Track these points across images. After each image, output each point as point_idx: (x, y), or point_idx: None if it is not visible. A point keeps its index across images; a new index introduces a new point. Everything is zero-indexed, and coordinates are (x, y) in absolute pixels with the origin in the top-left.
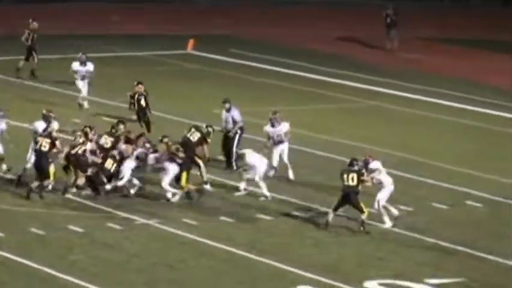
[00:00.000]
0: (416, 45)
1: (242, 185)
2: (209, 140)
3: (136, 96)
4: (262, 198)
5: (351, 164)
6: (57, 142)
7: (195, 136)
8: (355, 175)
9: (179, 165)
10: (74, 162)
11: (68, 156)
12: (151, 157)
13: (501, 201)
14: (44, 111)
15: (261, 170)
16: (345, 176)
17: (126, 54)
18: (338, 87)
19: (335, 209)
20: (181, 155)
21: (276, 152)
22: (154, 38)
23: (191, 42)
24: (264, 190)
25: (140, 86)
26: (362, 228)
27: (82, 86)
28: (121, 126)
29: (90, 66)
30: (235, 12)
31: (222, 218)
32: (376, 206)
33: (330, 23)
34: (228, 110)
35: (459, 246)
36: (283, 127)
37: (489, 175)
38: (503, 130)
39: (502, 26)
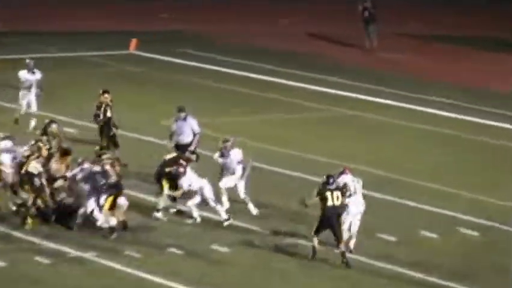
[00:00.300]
0: (398, 44)
1: (195, 213)
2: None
3: (103, 106)
4: (226, 224)
5: (327, 182)
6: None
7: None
8: (339, 194)
9: (114, 186)
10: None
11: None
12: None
13: (498, 228)
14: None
15: (206, 191)
16: (328, 195)
17: (58, 55)
18: (306, 93)
19: (317, 232)
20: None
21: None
22: (90, 37)
23: (134, 41)
24: (222, 214)
25: (106, 95)
26: (342, 261)
27: (27, 98)
28: (53, 126)
29: (38, 75)
30: (184, 6)
31: (170, 250)
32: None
33: (298, 18)
34: (185, 119)
35: (451, 282)
36: (235, 156)
37: (483, 196)
38: (494, 142)
39: (498, 22)
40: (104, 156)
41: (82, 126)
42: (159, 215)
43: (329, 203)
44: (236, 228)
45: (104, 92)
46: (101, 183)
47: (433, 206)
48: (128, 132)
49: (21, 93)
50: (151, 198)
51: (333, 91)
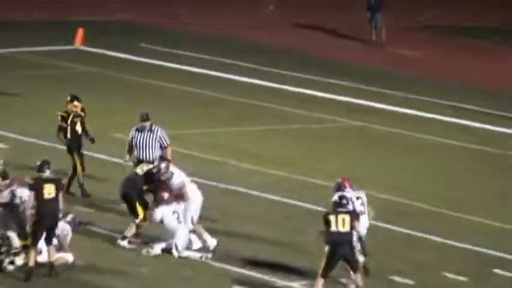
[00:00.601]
0: (411, 37)
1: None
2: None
3: (71, 118)
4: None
5: (339, 204)
6: None
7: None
8: (347, 217)
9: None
10: None
11: None
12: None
13: None
14: None
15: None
16: (331, 218)
17: None
18: (299, 99)
19: (324, 275)
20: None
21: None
22: (27, 28)
23: (80, 33)
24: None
25: (76, 103)
26: None
27: None
28: None
29: None
30: None
31: None
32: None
33: (283, 6)
34: (151, 130)
35: None
36: (176, 180)
37: None
38: None
39: None
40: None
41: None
42: (124, 243)
43: (332, 228)
44: (207, 269)
45: (74, 98)
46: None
47: (463, 242)
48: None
49: None
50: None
51: (333, 96)
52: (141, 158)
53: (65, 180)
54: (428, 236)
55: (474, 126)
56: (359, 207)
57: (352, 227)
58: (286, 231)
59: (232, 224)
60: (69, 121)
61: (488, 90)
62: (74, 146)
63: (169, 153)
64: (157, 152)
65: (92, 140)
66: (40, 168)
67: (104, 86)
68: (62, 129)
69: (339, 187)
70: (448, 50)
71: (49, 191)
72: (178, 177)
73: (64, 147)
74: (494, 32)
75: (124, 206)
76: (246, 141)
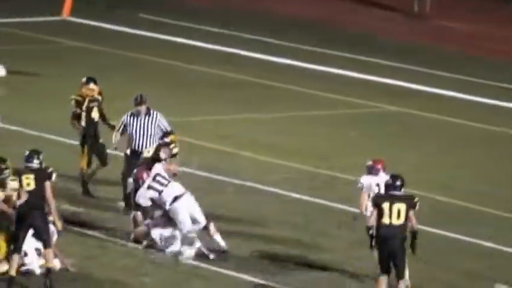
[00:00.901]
0: (461, 7)
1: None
2: (176, 151)
3: (86, 103)
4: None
5: (392, 185)
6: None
7: (150, 151)
8: (403, 206)
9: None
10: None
11: None
12: None
13: None
14: None
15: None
16: (385, 207)
17: None
18: (323, 80)
19: (385, 270)
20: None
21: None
22: None
23: (68, 2)
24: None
25: (92, 86)
26: None
27: None
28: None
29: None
30: None
31: None
32: None
33: None
34: (148, 114)
35: None
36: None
37: None
38: None
39: None
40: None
41: None
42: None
43: (384, 219)
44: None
45: (89, 80)
46: None
47: None
48: (53, 135)
49: None
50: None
51: (366, 76)
52: (138, 148)
53: (51, 169)
54: (477, 241)
55: None
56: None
57: (407, 220)
58: (308, 235)
59: (247, 226)
60: (84, 106)
61: None
62: (89, 135)
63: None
64: (157, 140)
65: (112, 127)
66: (28, 159)
67: (95, 64)
68: (76, 116)
69: (370, 171)
70: (505, 22)
71: (27, 181)
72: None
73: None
74: None
75: (120, 205)
76: (263, 130)
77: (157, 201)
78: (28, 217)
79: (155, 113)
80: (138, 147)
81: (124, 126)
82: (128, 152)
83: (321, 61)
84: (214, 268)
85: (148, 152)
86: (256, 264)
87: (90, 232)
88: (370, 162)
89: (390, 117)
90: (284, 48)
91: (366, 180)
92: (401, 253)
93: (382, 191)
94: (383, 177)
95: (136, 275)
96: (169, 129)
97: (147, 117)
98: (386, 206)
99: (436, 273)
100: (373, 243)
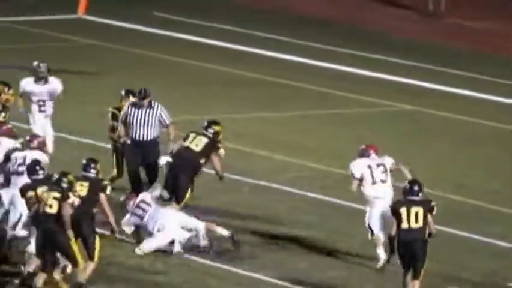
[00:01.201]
0: (478, 5)
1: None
2: (221, 149)
3: (124, 116)
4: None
5: (410, 191)
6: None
7: (198, 143)
8: (421, 210)
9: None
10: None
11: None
12: None
13: None
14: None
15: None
16: (403, 211)
17: None
18: (336, 78)
19: (406, 272)
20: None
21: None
22: None
23: (83, 0)
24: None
25: (132, 98)
26: None
27: (39, 120)
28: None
29: (56, 84)
30: None
31: None
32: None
33: None
34: (150, 106)
35: None
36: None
37: None
38: None
39: None
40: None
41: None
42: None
43: (403, 224)
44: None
45: (129, 93)
46: None
47: None
48: (64, 133)
49: (31, 115)
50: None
51: (379, 75)
52: (138, 138)
53: (105, 182)
54: (490, 240)
55: None
56: (379, 176)
57: (425, 224)
58: (323, 234)
59: (261, 224)
60: (123, 121)
61: None
62: (121, 148)
63: (172, 133)
64: (157, 132)
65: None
66: (85, 167)
67: (110, 62)
68: (112, 129)
69: (362, 154)
70: None
71: (81, 188)
72: None
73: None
74: None
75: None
76: (276, 129)
77: (142, 228)
78: (75, 225)
79: (157, 104)
80: (139, 137)
81: (126, 116)
82: (128, 141)
83: (334, 59)
84: (227, 267)
85: (196, 146)
86: (270, 263)
87: (103, 231)
88: (363, 146)
89: (404, 116)
90: (298, 46)
91: (357, 164)
92: (422, 255)
93: (374, 173)
94: (374, 159)
95: (150, 273)
96: (168, 122)
97: (149, 109)
98: (403, 211)
99: (451, 272)
100: (394, 249)
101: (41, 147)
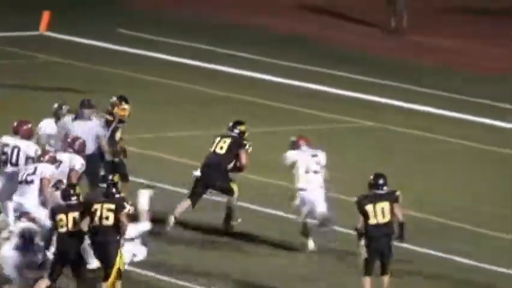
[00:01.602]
0: (440, 22)
1: None
2: (248, 147)
3: (114, 123)
4: None
5: (376, 185)
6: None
7: (223, 145)
8: (387, 205)
9: None
10: None
11: None
12: None
13: None
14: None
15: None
16: (369, 208)
17: None
18: (298, 95)
19: (370, 272)
20: None
21: None
22: None
23: (45, 16)
24: None
25: (125, 106)
26: None
27: None
28: None
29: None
30: None
31: None
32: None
33: None
34: (90, 119)
35: None
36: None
37: None
38: None
39: None
40: None
41: None
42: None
43: (371, 221)
44: None
45: (122, 99)
46: None
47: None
48: None
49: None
50: None
51: (342, 92)
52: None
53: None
54: (455, 258)
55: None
56: (313, 166)
57: (392, 217)
58: (284, 251)
59: (225, 242)
60: (111, 127)
61: None
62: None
63: (104, 145)
64: (92, 147)
65: (119, 153)
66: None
67: (74, 80)
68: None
69: (294, 145)
70: (484, 37)
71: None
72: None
73: None
74: None
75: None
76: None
77: None
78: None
79: (95, 119)
80: None
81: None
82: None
83: (301, 77)
84: (186, 284)
85: (221, 149)
86: (229, 279)
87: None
88: (294, 138)
89: (367, 132)
90: (266, 64)
91: (290, 154)
92: (389, 250)
93: (307, 163)
94: (307, 151)
95: None
96: (101, 134)
97: (88, 122)
98: (369, 208)
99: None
100: (362, 244)
101: (52, 161)
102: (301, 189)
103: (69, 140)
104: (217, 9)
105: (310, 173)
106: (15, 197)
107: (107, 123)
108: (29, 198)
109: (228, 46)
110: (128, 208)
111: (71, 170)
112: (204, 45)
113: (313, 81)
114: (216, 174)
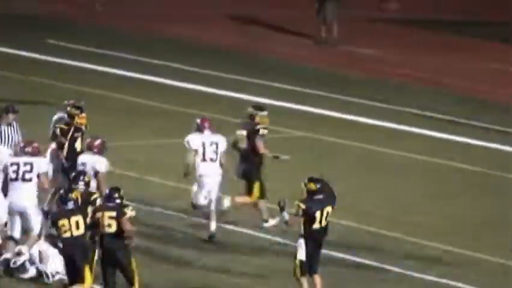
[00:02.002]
0: (371, 33)
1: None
2: (262, 130)
3: (72, 131)
4: None
5: (318, 191)
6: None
7: (242, 138)
8: (330, 209)
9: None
10: None
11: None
12: None
13: None
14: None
15: None
16: (318, 215)
17: None
18: (230, 105)
19: (302, 271)
20: None
21: None
22: None
23: None
24: None
25: (83, 114)
26: None
27: None
28: None
29: None
30: None
31: None
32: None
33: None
34: (12, 125)
35: None
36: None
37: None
38: None
39: None
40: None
41: None
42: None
43: (316, 225)
44: None
45: (79, 108)
46: None
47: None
48: None
49: None
50: None
51: (273, 102)
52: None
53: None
54: (384, 266)
55: (450, 139)
56: (210, 154)
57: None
58: (218, 261)
59: (157, 252)
60: (69, 136)
61: (462, 96)
62: (70, 168)
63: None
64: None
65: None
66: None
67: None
68: (60, 146)
69: (198, 128)
70: (416, 48)
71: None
72: None
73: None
74: (474, 25)
75: None
76: (172, 156)
77: None
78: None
79: (16, 124)
80: None
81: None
82: None
83: (232, 88)
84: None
85: (242, 134)
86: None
87: None
88: (198, 121)
89: (298, 142)
90: (198, 75)
91: (192, 138)
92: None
93: (205, 150)
94: (208, 137)
95: None
96: (20, 139)
97: (10, 127)
98: (318, 214)
99: None
100: (301, 244)
101: (36, 152)
102: (200, 176)
103: (22, 144)
104: (150, 22)
105: (207, 161)
106: (13, 197)
107: (63, 132)
108: (28, 198)
109: (159, 57)
110: (129, 213)
111: (96, 173)
112: (136, 57)
113: (243, 92)
114: (244, 166)
